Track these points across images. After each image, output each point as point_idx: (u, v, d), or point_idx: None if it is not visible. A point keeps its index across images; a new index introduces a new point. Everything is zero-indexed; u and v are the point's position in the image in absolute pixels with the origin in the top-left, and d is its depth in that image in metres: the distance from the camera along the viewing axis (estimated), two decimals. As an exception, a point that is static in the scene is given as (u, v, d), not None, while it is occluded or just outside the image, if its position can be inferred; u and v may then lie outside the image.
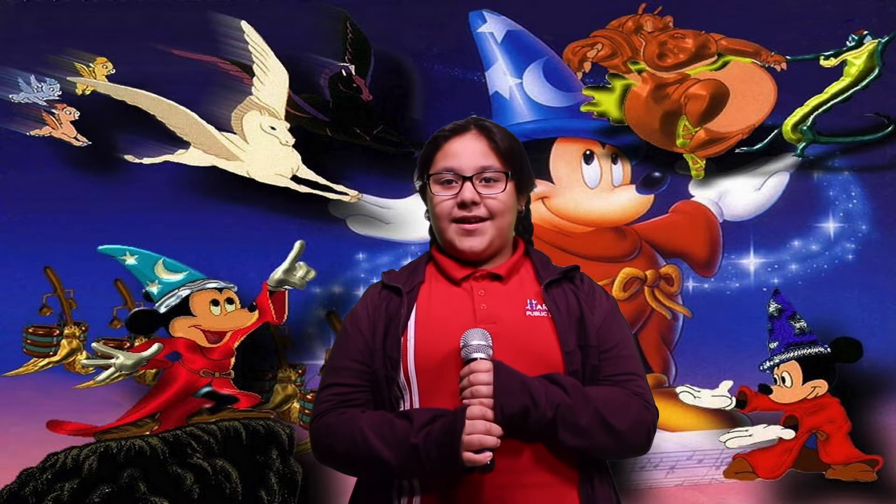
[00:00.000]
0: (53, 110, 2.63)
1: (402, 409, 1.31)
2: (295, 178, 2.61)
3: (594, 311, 1.36)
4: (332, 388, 1.36)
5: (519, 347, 1.29)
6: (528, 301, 1.35)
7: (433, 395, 1.28)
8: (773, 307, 2.56)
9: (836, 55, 2.53)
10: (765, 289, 2.60)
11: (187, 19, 2.63)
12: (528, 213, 1.51)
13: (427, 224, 1.51)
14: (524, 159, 1.44)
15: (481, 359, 1.23)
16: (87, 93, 2.63)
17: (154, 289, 2.54)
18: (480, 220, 1.36)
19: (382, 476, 1.28)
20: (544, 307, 1.34)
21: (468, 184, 1.36)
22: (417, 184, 1.47)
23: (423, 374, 1.29)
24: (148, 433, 2.51)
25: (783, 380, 2.53)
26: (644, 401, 1.32)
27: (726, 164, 2.62)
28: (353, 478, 1.40)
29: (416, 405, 1.29)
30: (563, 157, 2.69)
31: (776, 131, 2.58)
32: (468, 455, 1.17)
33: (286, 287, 2.57)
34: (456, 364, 1.26)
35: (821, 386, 2.52)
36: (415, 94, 2.68)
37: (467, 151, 1.38)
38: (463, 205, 1.35)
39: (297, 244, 2.54)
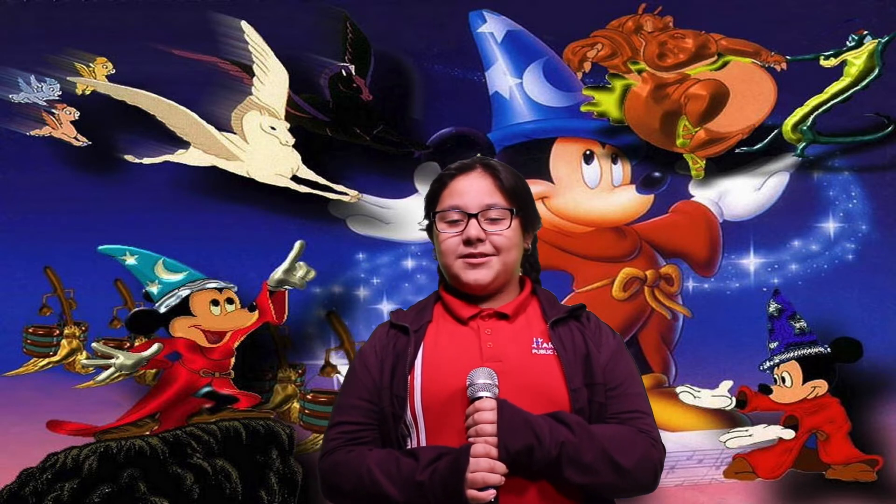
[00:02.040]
0: (53, 110, 2.63)
1: (408, 446, 1.32)
2: (295, 178, 2.61)
3: (600, 350, 1.36)
4: (340, 426, 1.37)
5: (525, 385, 1.29)
6: (534, 339, 1.35)
7: (440, 433, 1.29)
8: (773, 307, 2.56)
9: (836, 55, 2.53)
10: (765, 289, 2.60)
11: (187, 19, 2.63)
12: (535, 252, 1.52)
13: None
14: (529, 198, 1.45)
15: (486, 397, 1.24)
16: (87, 93, 2.63)
17: (154, 289, 2.54)
18: (486, 255, 1.37)
19: None
20: (550, 345, 1.34)
21: (473, 221, 1.36)
22: (424, 223, 1.48)
23: (430, 412, 1.30)
24: (148, 433, 2.51)
25: (783, 380, 2.53)
26: (651, 439, 1.32)
27: (726, 164, 2.62)
28: None
29: (423, 443, 1.30)
30: (563, 157, 2.69)
31: (776, 131, 2.57)
32: (472, 493, 1.18)
33: (286, 287, 2.57)
34: (462, 402, 1.26)
35: (821, 386, 2.51)
36: (415, 94, 2.68)
37: (473, 189, 1.39)
38: (468, 242, 1.36)
39: (297, 244, 2.54)
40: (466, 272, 1.37)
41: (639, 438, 1.30)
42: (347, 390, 1.41)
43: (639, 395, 1.37)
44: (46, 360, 2.60)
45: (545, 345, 1.35)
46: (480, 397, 1.24)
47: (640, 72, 2.60)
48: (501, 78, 2.68)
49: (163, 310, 2.53)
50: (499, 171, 1.41)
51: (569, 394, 1.29)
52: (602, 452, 1.24)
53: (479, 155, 1.46)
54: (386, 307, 2.62)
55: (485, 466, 1.19)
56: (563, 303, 1.48)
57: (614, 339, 1.41)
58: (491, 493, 1.18)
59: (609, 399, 1.33)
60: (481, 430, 1.21)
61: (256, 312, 2.58)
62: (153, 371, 2.56)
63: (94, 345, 2.51)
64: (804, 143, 2.56)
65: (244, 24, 2.58)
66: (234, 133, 2.62)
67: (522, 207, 1.41)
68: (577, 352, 1.34)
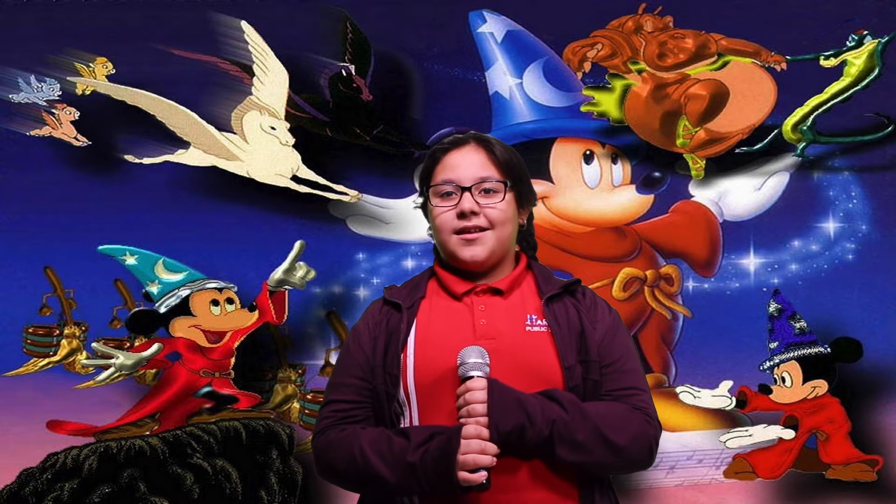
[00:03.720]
0: (53, 110, 2.63)
1: (402, 425, 1.31)
2: (295, 178, 2.61)
3: (595, 326, 1.35)
4: (334, 404, 1.37)
5: (518, 363, 1.28)
6: (528, 316, 1.34)
7: (433, 412, 1.28)
8: (773, 307, 2.56)
9: (836, 55, 2.53)
10: (765, 289, 2.60)
11: (187, 19, 2.63)
12: (531, 227, 1.51)
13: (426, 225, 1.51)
14: (524, 172, 1.44)
15: (477, 377, 1.23)
16: (87, 93, 2.63)
17: (154, 289, 2.54)
18: (481, 229, 1.36)
19: (382, 493, 1.28)
20: (544, 322, 1.33)
21: (467, 194, 1.36)
22: (419, 200, 1.47)
23: (423, 390, 1.29)
24: (148, 433, 2.51)
25: (783, 380, 2.53)
26: (646, 415, 1.30)
27: (726, 164, 2.62)
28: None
29: (416, 422, 1.29)
30: (563, 157, 2.69)
31: (776, 131, 2.57)
32: (463, 474, 1.17)
33: (286, 287, 2.57)
34: (454, 381, 1.25)
35: (821, 386, 2.51)
36: (415, 94, 2.68)
37: (466, 163, 1.38)
38: (462, 215, 1.35)
39: (297, 244, 2.54)
40: (463, 249, 1.36)
41: (633, 415, 1.29)
42: (341, 368, 1.40)
43: (634, 371, 1.35)
44: (46, 360, 2.60)
45: (539, 322, 1.33)
46: (471, 377, 1.23)
47: (640, 72, 2.60)
48: (501, 78, 2.68)
49: (163, 310, 2.53)
50: (492, 145, 1.40)
51: (562, 371, 1.28)
52: (595, 430, 1.23)
53: (472, 132, 1.45)
54: (386, 307, 2.62)
55: (476, 448, 1.18)
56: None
57: (610, 314, 1.40)
58: (482, 475, 1.17)
59: (604, 376, 1.31)
60: (472, 411, 1.20)
61: (256, 312, 2.57)
62: (153, 371, 2.56)
63: (94, 345, 2.51)
64: (804, 143, 2.56)
65: (244, 24, 2.58)
66: (234, 133, 2.62)
67: (516, 181, 1.40)
68: (571, 328, 1.32)
